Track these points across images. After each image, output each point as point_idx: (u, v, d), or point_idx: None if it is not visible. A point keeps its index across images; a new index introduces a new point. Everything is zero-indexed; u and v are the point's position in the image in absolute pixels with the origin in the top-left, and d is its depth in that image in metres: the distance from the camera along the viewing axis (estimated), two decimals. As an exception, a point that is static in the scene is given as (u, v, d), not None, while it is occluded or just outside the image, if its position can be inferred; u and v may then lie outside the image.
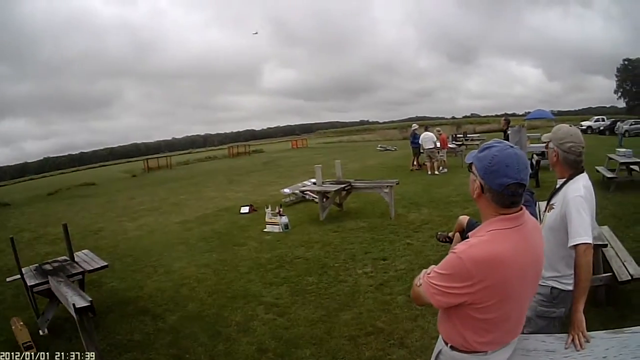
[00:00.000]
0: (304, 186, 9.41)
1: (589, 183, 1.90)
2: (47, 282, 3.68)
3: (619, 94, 59.36)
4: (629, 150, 8.61)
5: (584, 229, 1.75)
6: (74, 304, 2.93)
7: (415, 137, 13.45)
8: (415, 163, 13.58)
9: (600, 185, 7.58)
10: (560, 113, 61.35)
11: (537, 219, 1.94)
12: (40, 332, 3.66)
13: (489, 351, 1.29)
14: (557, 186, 1.96)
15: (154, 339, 3.46)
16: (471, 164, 1.30)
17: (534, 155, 9.24)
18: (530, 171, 2.10)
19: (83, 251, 4.68)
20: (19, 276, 3.87)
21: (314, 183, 8.11)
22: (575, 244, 1.75)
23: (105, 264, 4.26)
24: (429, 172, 12.02)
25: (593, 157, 9.62)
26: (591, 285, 2.80)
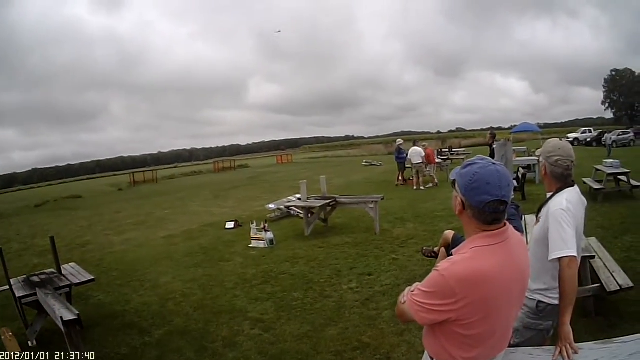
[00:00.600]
0: (289, 201, 9.52)
1: (578, 196, 1.90)
2: (35, 294, 3.71)
3: (607, 104, 59.70)
4: (616, 160, 8.59)
5: (565, 242, 1.74)
6: (61, 317, 2.98)
7: (400, 152, 13.46)
8: (400, 178, 13.66)
9: (588, 196, 7.68)
10: (546, 125, 62.09)
11: (522, 232, 2.01)
12: (29, 344, 3.68)
13: None
14: (546, 199, 1.98)
15: (141, 354, 3.50)
16: (454, 180, 1.31)
17: (520, 169, 9.30)
18: (514, 187, 2.21)
19: (70, 264, 4.72)
20: (7, 287, 3.90)
21: (299, 198, 8.15)
22: (553, 258, 1.75)
23: (92, 277, 4.32)
24: (414, 187, 12.16)
25: (580, 169, 9.83)
26: (580, 297, 2.87)
